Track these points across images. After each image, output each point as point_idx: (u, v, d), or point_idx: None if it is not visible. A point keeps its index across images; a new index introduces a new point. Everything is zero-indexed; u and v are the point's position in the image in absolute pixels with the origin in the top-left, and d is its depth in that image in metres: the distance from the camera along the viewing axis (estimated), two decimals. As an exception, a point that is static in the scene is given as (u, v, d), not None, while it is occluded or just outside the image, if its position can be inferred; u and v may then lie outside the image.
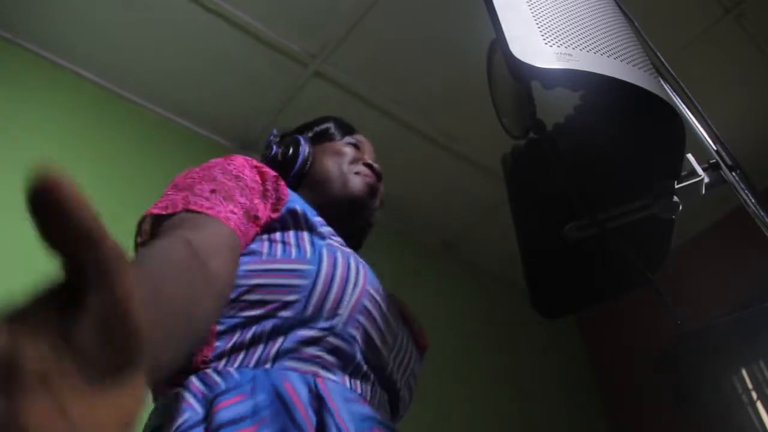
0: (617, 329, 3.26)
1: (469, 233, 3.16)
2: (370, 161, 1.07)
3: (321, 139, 1.10)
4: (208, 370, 0.72)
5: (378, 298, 0.82)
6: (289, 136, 1.10)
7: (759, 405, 2.73)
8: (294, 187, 1.02)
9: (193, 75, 2.38)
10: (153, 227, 0.77)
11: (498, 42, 0.67)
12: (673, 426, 2.86)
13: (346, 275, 0.78)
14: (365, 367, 0.78)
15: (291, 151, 1.05)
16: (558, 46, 0.67)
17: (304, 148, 1.04)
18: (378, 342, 0.81)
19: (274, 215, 0.83)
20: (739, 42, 2.49)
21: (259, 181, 0.85)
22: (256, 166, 0.87)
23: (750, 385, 2.79)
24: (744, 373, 2.83)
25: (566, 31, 0.69)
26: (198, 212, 0.73)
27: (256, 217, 0.81)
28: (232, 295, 0.76)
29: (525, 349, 3.13)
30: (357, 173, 1.04)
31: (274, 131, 1.12)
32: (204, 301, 0.57)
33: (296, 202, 0.86)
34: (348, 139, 1.10)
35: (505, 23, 0.67)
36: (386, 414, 0.82)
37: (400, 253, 2.84)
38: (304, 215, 0.84)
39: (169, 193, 0.80)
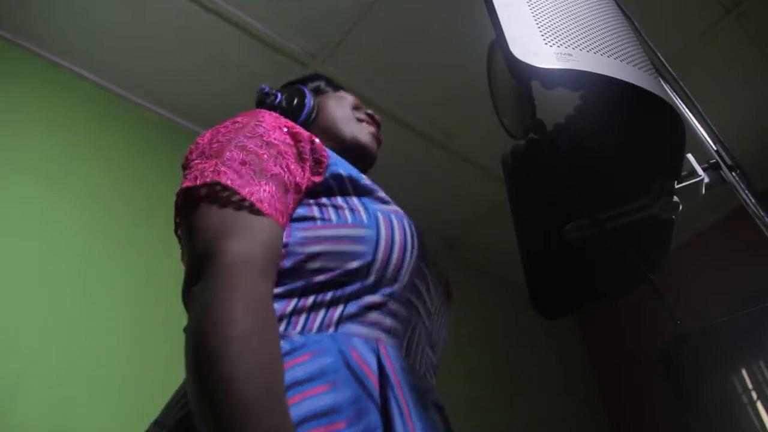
0: (617, 329, 3.26)
1: (469, 233, 3.16)
2: (370, 111, 1.10)
3: (317, 92, 1.12)
4: None
5: (426, 256, 0.82)
6: (289, 87, 1.10)
7: (759, 405, 2.73)
8: None
9: (193, 75, 2.37)
10: (187, 201, 0.75)
11: (498, 42, 0.67)
12: (673, 426, 2.85)
13: (404, 240, 0.77)
14: (418, 329, 0.79)
15: (296, 100, 1.04)
16: (558, 46, 0.66)
17: (310, 98, 1.05)
18: (428, 300, 0.82)
19: (317, 179, 0.80)
20: (739, 42, 2.49)
21: (292, 143, 0.81)
22: (286, 126, 0.83)
23: (750, 385, 2.79)
24: (744, 373, 2.83)
25: (566, 31, 0.69)
26: (230, 189, 0.71)
27: (297, 185, 0.78)
28: (289, 264, 0.73)
29: (525, 349, 3.13)
30: (360, 120, 1.07)
31: (264, 86, 1.11)
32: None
33: (339, 165, 0.82)
34: (342, 92, 1.13)
35: (505, 23, 0.67)
36: (431, 373, 0.82)
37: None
38: (350, 178, 0.81)
39: (195, 162, 0.77)
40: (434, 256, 0.95)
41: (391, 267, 0.75)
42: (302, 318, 0.71)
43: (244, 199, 0.71)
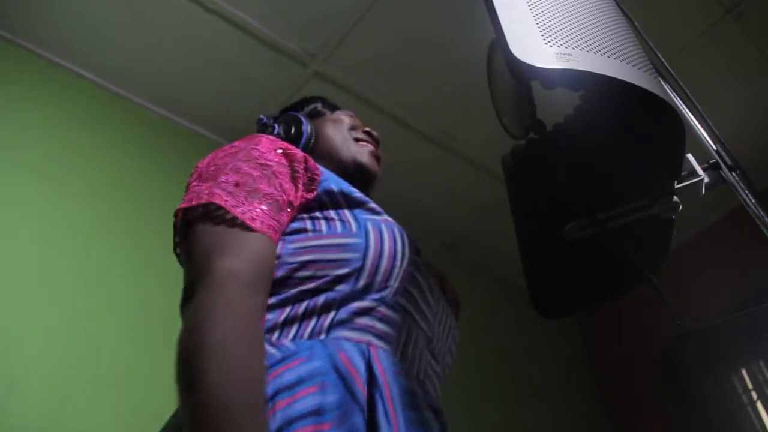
0: (617, 329, 3.26)
1: (469, 233, 3.16)
2: (368, 129, 1.12)
3: (314, 116, 1.14)
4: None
5: (420, 264, 0.84)
6: (286, 116, 1.11)
7: (759, 405, 2.73)
8: None
9: (193, 75, 2.37)
10: (184, 222, 0.79)
11: (498, 42, 0.67)
12: (674, 426, 2.85)
13: (394, 247, 0.79)
14: (414, 335, 0.80)
15: (294, 129, 1.07)
16: (558, 46, 0.67)
17: (306, 125, 1.07)
18: (424, 307, 0.83)
19: (309, 195, 0.83)
20: (739, 42, 2.49)
21: (287, 164, 0.84)
22: (282, 148, 0.86)
23: (750, 385, 2.79)
24: (744, 373, 2.83)
25: (566, 31, 0.69)
26: (223, 209, 0.74)
27: (289, 203, 0.81)
28: (281, 273, 0.77)
29: (525, 349, 3.13)
30: (358, 140, 1.09)
31: (262, 117, 1.13)
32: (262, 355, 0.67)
33: (331, 180, 0.86)
34: (339, 112, 1.16)
35: (505, 23, 0.67)
36: (434, 380, 0.83)
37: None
38: (342, 193, 0.85)
39: (193, 184, 0.81)
40: (435, 263, 0.96)
41: (381, 273, 0.77)
42: (294, 326, 0.74)
43: (236, 218, 0.74)
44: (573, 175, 0.84)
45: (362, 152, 1.07)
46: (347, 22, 2.30)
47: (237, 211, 0.75)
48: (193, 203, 0.77)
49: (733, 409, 2.77)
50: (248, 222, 0.74)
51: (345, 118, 1.12)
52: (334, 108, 1.18)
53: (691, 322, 2.74)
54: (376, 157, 1.09)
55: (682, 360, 2.89)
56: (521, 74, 0.65)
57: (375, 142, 1.11)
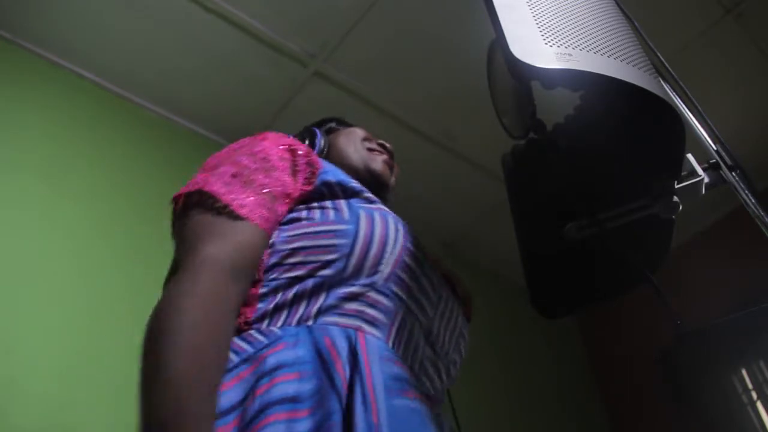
0: (617, 329, 3.26)
1: (469, 233, 3.16)
2: (382, 141, 1.15)
3: (329, 131, 1.19)
4: (252, 331, 0.74)
5: (419, 255, 0.83)
6: (303, 130, 1.15)
7: (759, 405, 2.73)
8: None
9: (193, 75, 2.37)
10: (179, 207, 0.82)
11: (498, 42, 0.67)
12: (673, 426, 2.85)
13: (386, 233, 0.80)
14: (409, 324, 0.79)
15: (308, 142, 1.10)
16: (558, 46, 0.67)
17: (320, 137, 1.11)
18: (421, 298, 0.82)
19: (307, 187, 0.85)
20: (739, 42, 2.49)
21: (289, 158, 0.87)
22: (286, 144, 0.89)
23: (750, 385, 2.79)
24: (744, 373, 2.83)
25: (566, 31, 0.69)
26: (213, 196, 0.77)
27: (287, 194, 0.83)
28: (274, 260, 0.79)
29: (525, 350, 3.13)
30: (371, 150, 1.12)
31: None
32: (227, 336, 0.70)
33: (329, 173, 0.88)
34: (352, 128, 1.19)
35: (505, 23, 0.67)
36: (429, 376, 0.82)
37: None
38: (339, 184, 0.86)
39: (197, 175, 0.85)
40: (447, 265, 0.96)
41: (370, 258, 0.77)
42: (284, 313, 0.75)
43: (225, 206, 0.77)
44: (573, 175, 0.84)
45: (375, 160, 1.10)
46: (347, 22, 2.30)
47: (227, 198, 0.77)
48: (188, 190, 0.80)
49: (733, 409, 2.77)
50: (236, 209, 0.77)
51: (358, 131, 1.15)
52: (348, 125, 1.22)
53: (691, 322, 2.73)
54: (390, 166, 1.12)
55: (682, 360, 2.89)
56: (521, 74, 0.65)
57: (389, 153, 1.14)
